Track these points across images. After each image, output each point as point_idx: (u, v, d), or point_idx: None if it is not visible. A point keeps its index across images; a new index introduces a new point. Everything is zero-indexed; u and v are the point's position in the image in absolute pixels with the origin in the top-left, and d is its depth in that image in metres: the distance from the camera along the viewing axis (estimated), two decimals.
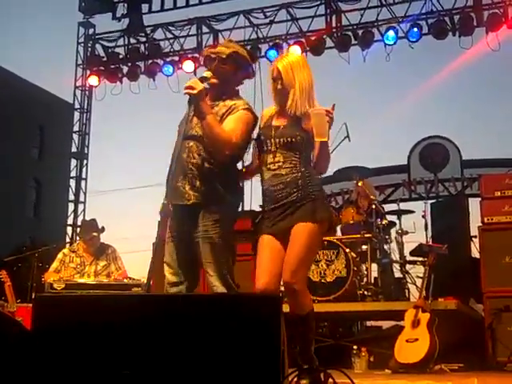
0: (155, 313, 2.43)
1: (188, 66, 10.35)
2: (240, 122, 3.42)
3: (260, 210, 3.67)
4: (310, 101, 3.47)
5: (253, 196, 6.94)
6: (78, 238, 8.35)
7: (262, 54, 10.05)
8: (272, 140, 3.45)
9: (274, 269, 3.39)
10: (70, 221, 11.53)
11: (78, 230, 8.69)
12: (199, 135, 3.44)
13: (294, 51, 9.06)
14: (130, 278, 6.05)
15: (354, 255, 6.86)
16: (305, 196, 3.38)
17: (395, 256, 7.48)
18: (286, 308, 2.83)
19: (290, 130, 3.44)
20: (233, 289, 3.37)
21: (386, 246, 7.41)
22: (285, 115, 3.51)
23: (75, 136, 11.69)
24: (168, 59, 10.76)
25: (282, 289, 3.54)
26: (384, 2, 9.58)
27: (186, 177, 3.41)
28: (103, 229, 6.55)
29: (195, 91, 3.33)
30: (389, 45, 9.38)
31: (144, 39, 11.05)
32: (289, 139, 3.42)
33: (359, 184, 7.52)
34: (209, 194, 3.39)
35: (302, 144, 3.41)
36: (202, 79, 3.44)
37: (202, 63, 10.29)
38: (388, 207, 8.21)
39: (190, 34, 10.77)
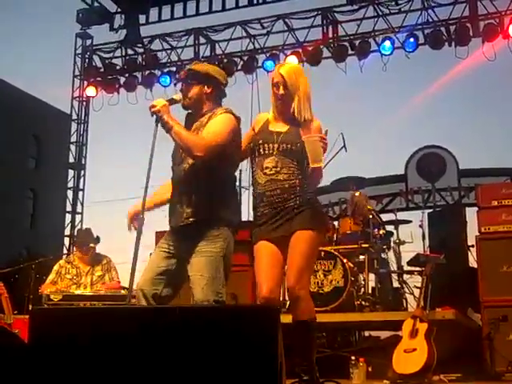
0: (153, 324, 2.42)
1: None
2: (218, 124, 3.41)
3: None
4: (310, 109, 3.49)
5: (249, 206, 6.91)
6: (74, 248, 8.33)
7: (259, 64, 10.11)
8: (272, 145, 3.46)
9: (275, 275, 3.39)
10: (67, 231, 11.51)
11: (74, 240, 8.67)
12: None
13: (292, 61, 9.14)
14: (124, 289, 6.03)
15: (352, 265, 6.85)
16: (303, 202, 3.40)
17: (393, 266, 7.47)
18: (283, 319, 2.82)
19: (292, 137, 3.45)
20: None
21: (383, 256, 7.40)
22: (283, 121, 3.51)
23: (72, 147, 11.69)
24: (165, 70, 10.81)
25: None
26: (380, 13, 9.65)
27: (182, 198, 3.42)
28: (99, 238, 6.54)
29: (157, 107, 3.35)
30: (385, 55, 9.45)
31: (141, 50, 11.10)
32: (289, 146, 3.43)
33: (356, 194, 7.52)
34: (205, 210, 3.38)
35: (301, 152, 3.41)
36: (171, 101, 3.48)
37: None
38: (385, 217, 8.19)
39: (188, 44, 10.85)
